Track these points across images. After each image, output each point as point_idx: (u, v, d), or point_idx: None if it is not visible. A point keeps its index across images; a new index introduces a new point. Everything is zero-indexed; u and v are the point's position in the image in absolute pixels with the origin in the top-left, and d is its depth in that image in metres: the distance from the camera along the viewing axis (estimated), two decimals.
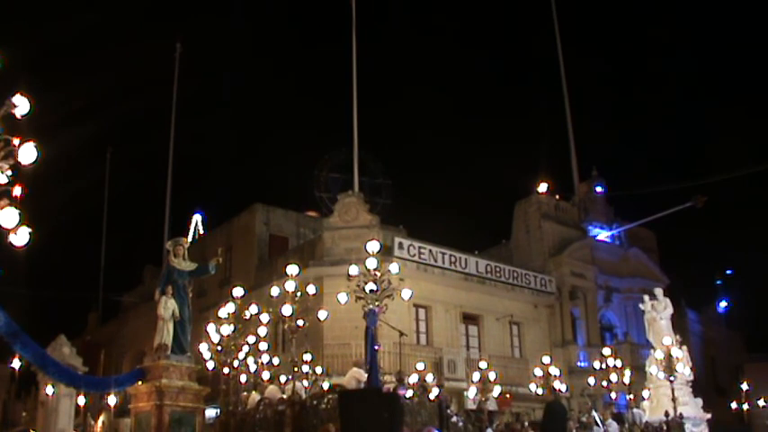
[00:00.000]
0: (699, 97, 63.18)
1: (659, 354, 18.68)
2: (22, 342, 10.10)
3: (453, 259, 26.42)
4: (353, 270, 12.28)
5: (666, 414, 17.66)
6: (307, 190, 29.18)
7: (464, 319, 27.17)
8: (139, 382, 12.19)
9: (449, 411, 14.00)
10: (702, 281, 42.44)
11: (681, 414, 17.88)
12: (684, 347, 19.94)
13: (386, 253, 20.20)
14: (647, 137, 64.29)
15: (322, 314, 14.48)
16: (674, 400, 17.54)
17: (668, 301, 21.57)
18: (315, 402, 12.44)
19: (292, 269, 13.09)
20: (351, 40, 28.36)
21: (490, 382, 17.69)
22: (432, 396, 13.34)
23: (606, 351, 19.67)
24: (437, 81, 62.88)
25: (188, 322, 12.55)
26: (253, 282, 25.66)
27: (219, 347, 14.26)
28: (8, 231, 6.18)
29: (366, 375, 12.29)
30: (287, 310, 12.81)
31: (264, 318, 14.81)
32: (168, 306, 12.29)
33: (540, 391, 18.58)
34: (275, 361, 16.27)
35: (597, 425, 16.63)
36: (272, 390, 14.56)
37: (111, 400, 16.83)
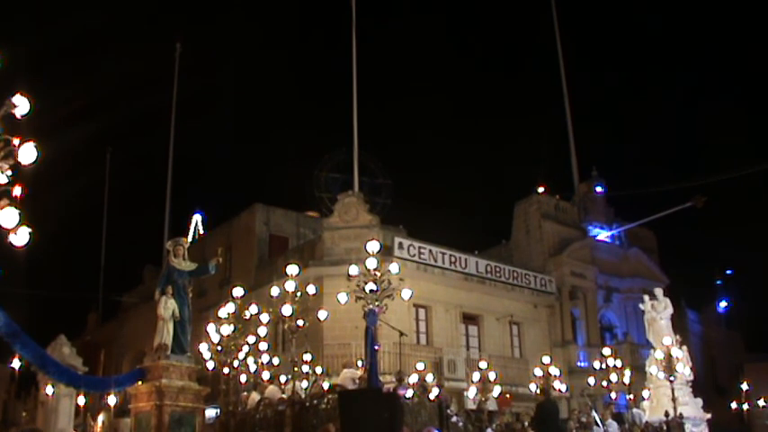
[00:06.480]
0: (699, 97, 63.20)
1: (659, 354, 18.65)
2: (22, 342, 10.08)
3: (453, 259, 26.42)
4: (353, 270, 12.29)
5: (666, 414, 17.65)
6: (307, 190, 29.16)
7: (464, 319, 27.18)
8: (139, 382, 12.17)
9: (449, 411, 14.02)
10: (702, 281, 42.46)
11: (681, 414, 17.85)
12: (684, 347, 19.93)
13: (386, 253, 20.18)
14: (647, 137, 64.32)
15: (322, 314, 14.49)
16: (674, 400, 17.51)
17: (668, 301, 21.54)
18: (315, 402, 12.46)
19: (292, 269, 13.11)
20: (351, 40, 28.39)
21: (490, 382, 17.67)
22: (432, 396, 13.36)
23: (606, 351, 19.71)
24: (437, 81, 62.98)
25: (188, 322, 12.52)
26: (253, 282, 25.65)
27: (219, 347, 14.29)
28: (8, 231, 6.17)
29: (359, 372, 12.29)
30: (287, 310, 12.83)
31: (264, 318, 14.82)
32: (168, 306, 12.27)
33: (539, 392, 18.57)
34: (275, 361, 16.27)
35: (597, 425, 16.62)
36: (272, 390, 14.57)
37: (111, 400, 16.77)
